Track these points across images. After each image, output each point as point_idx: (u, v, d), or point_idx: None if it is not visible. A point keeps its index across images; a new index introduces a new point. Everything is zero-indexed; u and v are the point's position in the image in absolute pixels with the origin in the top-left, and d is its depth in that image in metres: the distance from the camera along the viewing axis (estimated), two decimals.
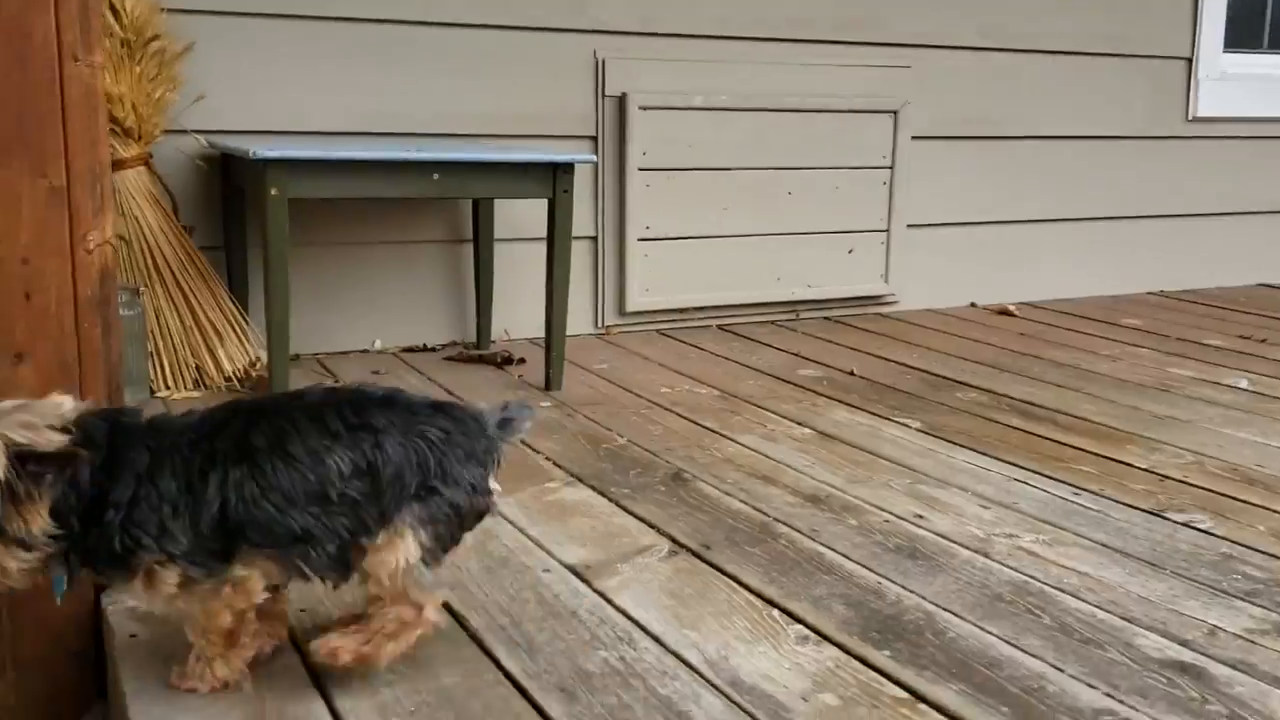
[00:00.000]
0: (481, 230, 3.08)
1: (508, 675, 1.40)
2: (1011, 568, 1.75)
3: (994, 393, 2.81)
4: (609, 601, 1.61)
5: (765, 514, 1.96)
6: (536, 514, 1.95)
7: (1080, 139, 4.03)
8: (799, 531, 1.88)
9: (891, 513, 1.98)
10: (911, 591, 1.66)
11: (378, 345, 3.13)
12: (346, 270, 3.06)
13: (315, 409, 1.30)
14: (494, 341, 3.18)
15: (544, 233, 2.72)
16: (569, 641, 1.49)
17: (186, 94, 2.74)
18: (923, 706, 1.35)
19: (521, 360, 3.02)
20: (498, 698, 1.35)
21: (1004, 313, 3.85)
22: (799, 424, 2.52)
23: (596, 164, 3.29)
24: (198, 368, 2.67)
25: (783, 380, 2.91)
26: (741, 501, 2.02)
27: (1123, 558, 1.80)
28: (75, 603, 1.56)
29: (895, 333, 3.52)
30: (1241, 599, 1.65)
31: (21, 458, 1.18)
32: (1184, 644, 1.51)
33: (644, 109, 3.30)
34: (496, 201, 3.08)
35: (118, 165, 2.55)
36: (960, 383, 2.91)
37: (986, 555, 1.80)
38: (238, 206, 2.84)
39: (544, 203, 2.70)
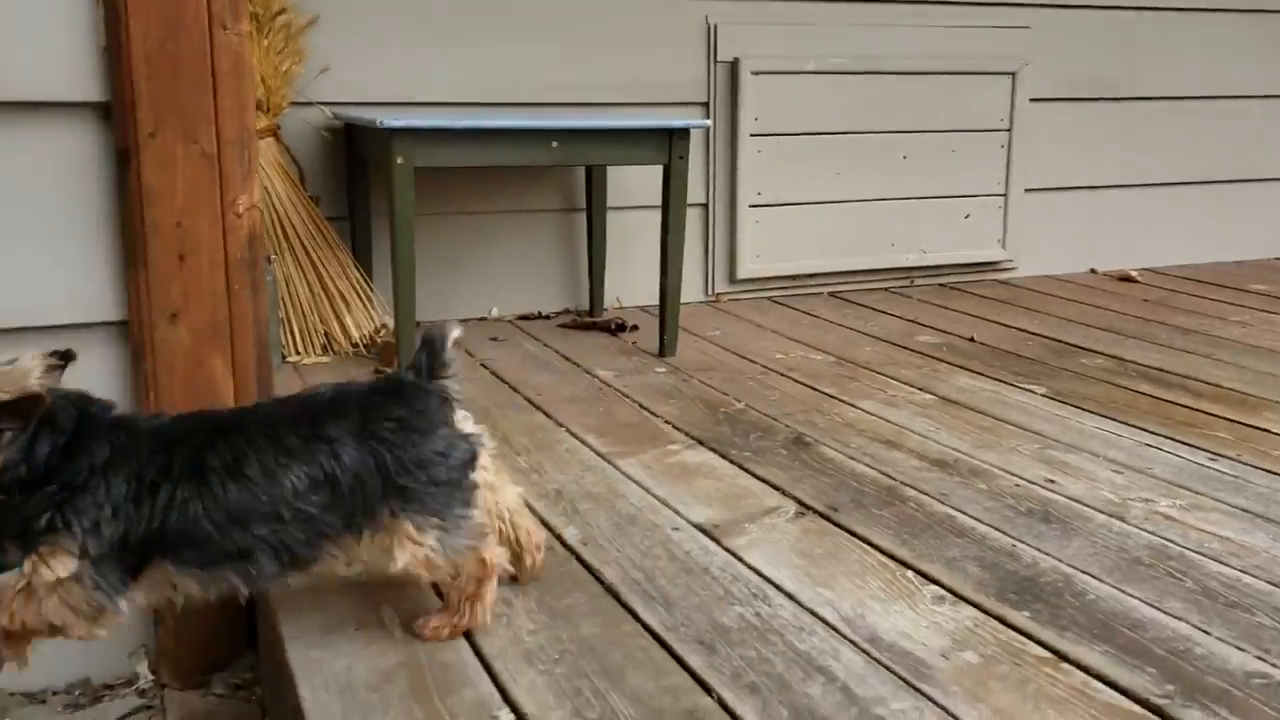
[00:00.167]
0: (594, 198, 3.11)
1: (646, 627, 1.42)
2: (1149, 531, 1.72)
3: (1120, 359, 2.74)
4: (739, 559, 1.62)
5: (892, 478, 1.95)
6: (660, 475, 1.97)
7: (1205, 99, 3.88)
8: (928, 495, 1.87)
9: (1022, 477, 1.95)
10: (1047, 554, 1.63)
11: (495, 313, 3.18)
12: (463, 239, 3.11)
13: (271, 424, 1.31)
14: (606, 309, 3.21)
15: (655, 201, 2.73)
16: (703, 597, 1.50)
17: (311, 66, 2.80)
18: (1066, 666, 1.33)
19: (635, 327, 3.04)
20: (638, 648, 1.37)
21: (1126, 279, 3.75)
22: (920, 390, 2.49)
23: (709, 130, 3.29)
24: (326, 334, 2.74)
25: (900, 347, 2.88)
26: (866, 465, 2.01)
27: (1266, 523, 1.75)
28: None
29: (1013, 299, 3.45)
30: None
31: None
32: None
33: (756, 74, 3.27)
34: (609, 170, 3.10)
35: None
36: (1084, 349, 2.84)
37: (1122, 519, 1.76)
38: (361, 176, 2.91)
39: (656, 170, 2.70)
